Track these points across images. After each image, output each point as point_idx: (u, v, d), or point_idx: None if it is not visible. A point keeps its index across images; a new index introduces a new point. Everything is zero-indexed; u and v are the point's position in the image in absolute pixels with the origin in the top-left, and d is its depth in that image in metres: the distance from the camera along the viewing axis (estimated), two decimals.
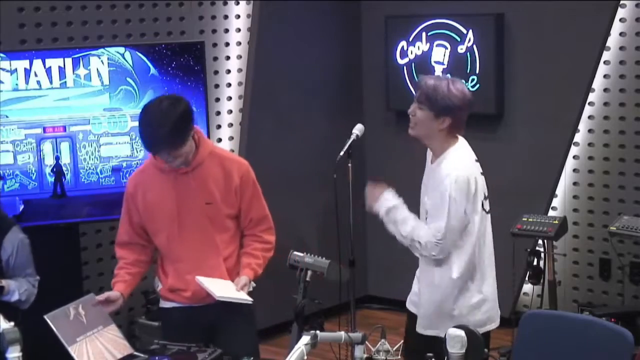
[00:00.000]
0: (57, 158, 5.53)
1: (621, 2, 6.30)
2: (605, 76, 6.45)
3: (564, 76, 6.55)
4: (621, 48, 6.38)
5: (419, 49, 7.03)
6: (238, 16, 6.62)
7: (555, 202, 6.76)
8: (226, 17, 6.57)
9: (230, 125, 6.66)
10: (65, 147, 5.54)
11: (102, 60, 5.58)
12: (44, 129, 5.50)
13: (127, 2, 6.09)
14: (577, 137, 6.60)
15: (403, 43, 7.10)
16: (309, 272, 4.81)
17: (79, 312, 4.15)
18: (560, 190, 6.73)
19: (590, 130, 6.57)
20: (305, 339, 3.34)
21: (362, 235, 7.33)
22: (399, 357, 3.42)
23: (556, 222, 6.03)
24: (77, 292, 5.73)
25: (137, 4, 6.13)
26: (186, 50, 5.80)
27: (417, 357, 3.31)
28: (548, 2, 6.54)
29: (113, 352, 4.06)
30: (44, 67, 5.47)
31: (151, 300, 6.20)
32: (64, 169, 5.54)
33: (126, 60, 5.64)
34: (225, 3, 6.55)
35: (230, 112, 6.66)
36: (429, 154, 4.54)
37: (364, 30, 7.46)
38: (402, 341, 3.50)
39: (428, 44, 6.98)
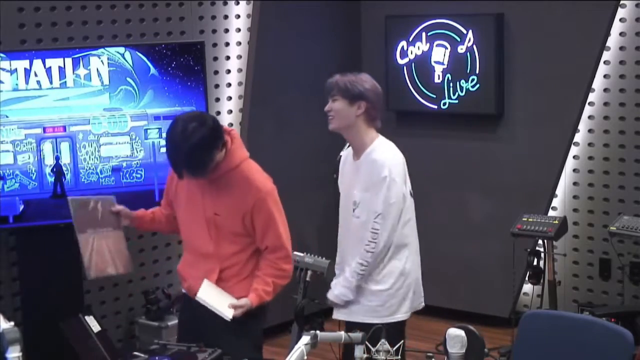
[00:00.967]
0: (57, 158, 5.53)
1: (621, 2, 6.30)
2: (605, 76, 6.45)
3: (564, 76, 6.55)
4: (621, 48, 6.38)
5: (419, 49, 7.03)
6: (238, 16, 6.62)
7: (555, 202, 6.76)
8: (226, 17, 6.57)
9: (231, 125, 6.66)
10: (65, 147, 5.55)
11: (102, 60, 5.58)
12: (44, 129, 5.50)
13: (127, 2, 6.09)
14: (577, 137, 6.61)
15: (403, 43, 7.10)
16: (309, 272, 4.84)
17: (97, 207, 4.33)
18: (560, 190, 6.73)
19: (590, 130, 6.58)
20: (306, 338, 3.34)
21: None
22: (399, 357, 3.42)
23: (556, 222, 6.04)
24: (78, 292, 5.76)
25: (137, 4, 6.13)
26: (186, 50, 5.81)
27: None
28: (548, 2, 6.54)
29: (114, 256, 4.27)
30: (44, 67, 5.47)
31: (151, 301, 6.21)
32: (64, 168, 5.54)
33: (126, 60, 5.64)
34: (225, 3, 6.55)
35: (230, 112, 6.66)
36: (349, 152, 4.65)
37: (363, 30, 7.47)
38: (402, 341, 3.49)
39: (428, 44, 6.98)
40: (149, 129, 5.69)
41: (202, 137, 4.05)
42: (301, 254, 4.62)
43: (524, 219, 6.11)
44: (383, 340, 3.45)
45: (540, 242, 6.18)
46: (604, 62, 6.43)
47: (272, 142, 6.82)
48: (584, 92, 6.49)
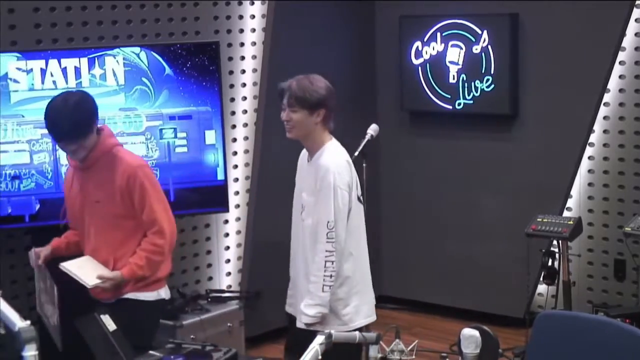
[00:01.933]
0: None
1: (637, 2, 6.29)
2: (620, 77, 6.44)
3: (579, 76, 6.54)
4: (636, 48, 6.36)
5: (433, 49, 7.03)
6: (253, 16, 6.63)
7: (570, 203, 6.75)
8: (241, 17, 6.58)
9: (245, 125, 6.67)
10: None
11: (117, 60, 5.60)
12: None
13: (142, 2, 6.10)
14: (592, 138, 6.59)
15: (418, 43, 7.10)
16: None
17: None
18: (575, 190, 6.72)
19: (605, 131, 6.56)
20: (320, 338, 3.34)
21: (377, 236, 7.33)
22: (413, 357, 3.42)
23: (571, 222, 6.02)
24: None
25: (152, 4, 6.15)
26: (201, 50, 5.82)
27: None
28: (563, 2, 6.53)
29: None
30: (60, 66, 5.49)
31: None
32: None
33: (141, 60, 5.66)
34: (240, 3, 6.56)
35: (245, 112, 6.67)
36: (304, 154, 4.68)
37: (378, 31, 7.47)
38: (416, 341, 3.50)
39: (443, 44, 6.98)
40: (164, 128, 5.71)
41: (85, 105, 4.42)
42: None
43: (538, 220, 6.10)
44: (397, 340, 3.46)
45: (554, 242, 6.17)
46: (619, 63, 6.42)
47: (287, 141, 6.80)
48: (599, 92, 6.48)
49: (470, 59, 6.87)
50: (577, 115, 6.57)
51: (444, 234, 7.29)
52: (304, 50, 6.91)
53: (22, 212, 5.46)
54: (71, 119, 4.34)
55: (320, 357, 3.31)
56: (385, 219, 7.51)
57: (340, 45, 7.25)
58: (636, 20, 6.33)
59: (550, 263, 6.05)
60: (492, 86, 6.79)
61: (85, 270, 4.39)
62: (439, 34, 7.00)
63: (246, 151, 6.69)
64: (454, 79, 6.96)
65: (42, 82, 5.45)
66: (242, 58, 6.63)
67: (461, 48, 6.89)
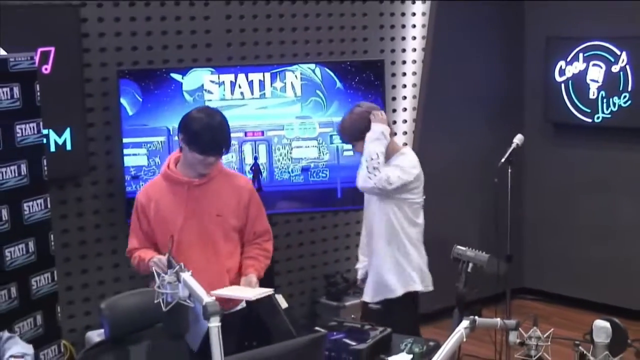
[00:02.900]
0: (256, 158, 5.66)
1: None
2: None
3: None
4: None
5: (576, 68, 6.89)
6: (414, 38, 6.65)
7: None
8: (404, 38, 6.60)
9: (405, 133, 6.70)
10: (262, 149, 5.67)
11: (295, 75, 5.69)
12: (245, 133, 5.63)
13: (318, 24, 6.21)
14: None
15: (562, 62, 6.97)
16: (470, 265, 4.80)
17: None
18: None
19: None
20: (465, 323, 3.33)
21: (518, 233, 7.23)
22: (549, 343, 3.38)
23: None
24: (269, 275, 5.91)
25: (327, 27, 6.24)
26: (368, 67, 5.86)
27: None
28: None
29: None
30: (247, 80, 5.61)
31: (331, 283, 6.31)
32: (261, 167, 5.66)
33: (316, 75, 5.74)
34: (403, 26, 6.58)
35: (405, 121, 6.70)
36: None
37: (527, 49, 7.36)
38: (552, 329, 3.45)
39: (585, 64, 6.83)
40: (334, 135, 5.78)
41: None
42: (463, 248, 4.59)
43: None
44: (535, 327, 3.42)
45: None
46: None
47: (441, 147, 6.81)
48: None
49: (610, 77, 6.70)
50: None
51: (584, 233, 7.13)
52: (458, 67, 6.87)
53: None
54: (229, 132, 4.15)
55: (465, 339, 3.31)
56: (527, 220, 7.39)
57: (492, 62, 7.17)
58: None
59: None
60: (629, 102, 6.61)
61: (234, 290, 4.01)
62: (581, 54, 6.85)
63: None
64: (594, 95, 6.80)
65: (232, 93, 5.59)
66: (404, 74, 6.65)
67: (601, 67, 6.73)
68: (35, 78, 4.55)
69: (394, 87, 6.59)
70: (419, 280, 4.81)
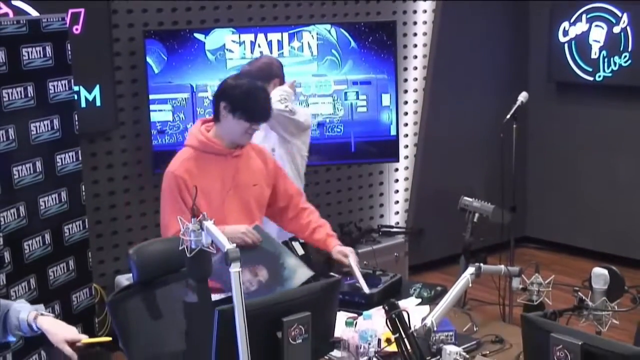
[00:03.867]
0: None
1: None
2: None
3: None
4: None
5: (579, 28, 6.81)
6: None
7: None
8: (415, 0, 6.53)
9: (415, 90, 6.65)
10: None
11: (312, 35, 5.66)
12: None
13: None
14: None
15: (565, 23, 6.89)
16: (476, 215, 4.80)
17: None
18: None
19: None
20: (471, 269, 3.34)
21: (522, 185, 7.20)
22: (550, 289, 3.38)
23: None
24: None
25: None
26: (380, 28, 5.82)
27: None
28: None
29: None
30: (266, 40, 5.59)
31: (345, 232, 6.31)
32: None
33: (332, 35, 5.70)
34: None
35: (415, 79, 6.65)
36: None
37: (531, 10, 7.27)
38: (552, 276, 3.44)
39: (587, 25, 6.75)
40: (348, 92, 5.76)
41: None
42: (470, 199, 4.58)
43: None
44: (537, 274, 3.42)
45: None
46: None
47: (450, 104, 6.78)
48: None
49: (611, 37, 6.62)
50: None
51: (585, 185, 7.10)
52: (466, 28, 6.82)
53: None
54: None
55: (470, 284, 3.31)
56: (530, 173, 7.36)
57: (498, 23, 7.10)
58: None
59: None
60: (630, 62, 6.53)
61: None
62: (584, 15, 6.76)
63: (415, 112, 6.67)
64: (595, 55, 6.73)
65: (252, 52, 5.56)
66: (415, 34, 6.59)
67: (603, 28, 6.65)
68: (66, 38, 4.58)
69: (405, 46, 6.53)
70: None
